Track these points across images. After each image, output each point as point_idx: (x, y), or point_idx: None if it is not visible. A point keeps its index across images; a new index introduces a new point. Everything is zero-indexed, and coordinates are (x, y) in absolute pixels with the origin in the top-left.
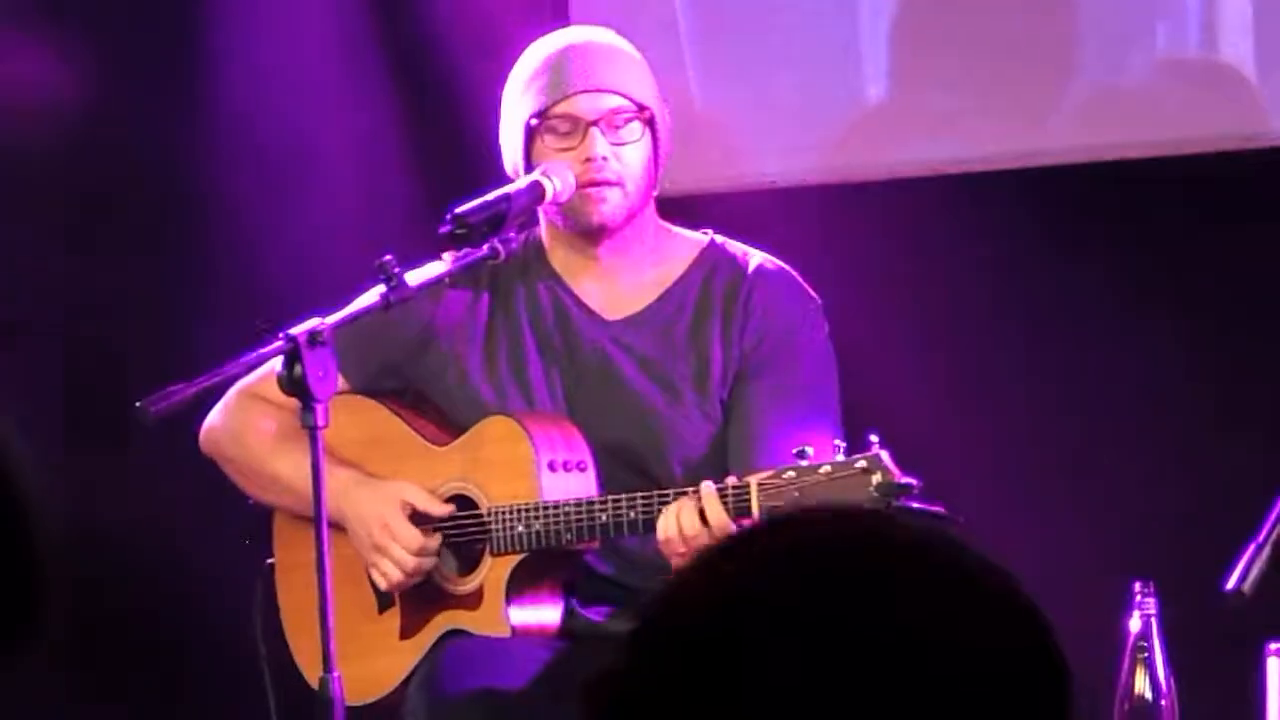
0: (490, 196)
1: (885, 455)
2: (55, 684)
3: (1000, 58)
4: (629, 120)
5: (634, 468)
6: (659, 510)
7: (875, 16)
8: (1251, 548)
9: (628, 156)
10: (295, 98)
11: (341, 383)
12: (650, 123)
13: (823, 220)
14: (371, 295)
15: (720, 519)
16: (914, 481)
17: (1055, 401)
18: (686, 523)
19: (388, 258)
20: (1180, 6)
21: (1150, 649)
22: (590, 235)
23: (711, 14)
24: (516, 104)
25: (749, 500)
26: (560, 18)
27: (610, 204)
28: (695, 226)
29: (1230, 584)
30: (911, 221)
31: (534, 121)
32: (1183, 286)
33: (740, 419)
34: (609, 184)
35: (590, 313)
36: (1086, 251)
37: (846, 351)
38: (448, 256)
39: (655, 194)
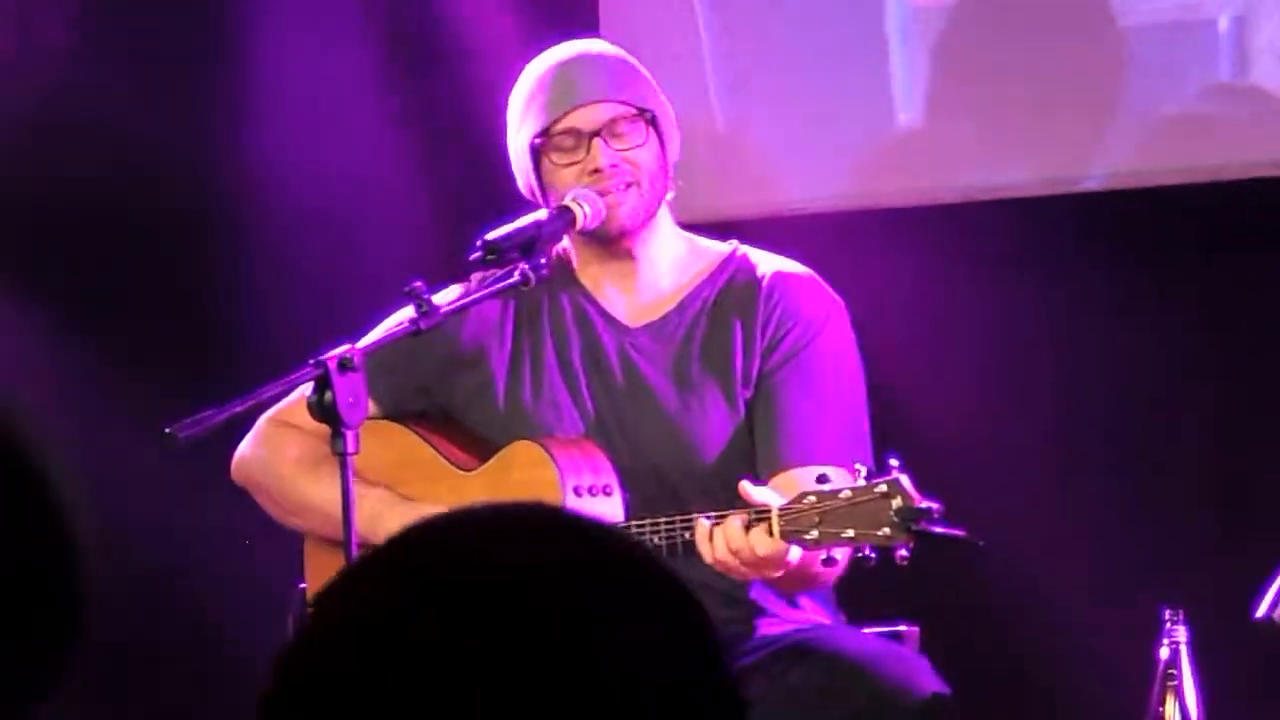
0: (521, 223)
1: (905, 479)
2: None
3: (1031, 84)
4: (631, 124)
5: (660, 476)
6: (681, 534)
7: (905, 42)
8: None
9: (636, 158)
10: (323, 118)
11: (370, 405)
12: (654, 122)
13: (851, 246)
14: (401, 321)
15: (769, 549)
16: (935, 505)
17: (1084, 428)
18: (734, 539)
19: (418, 283)
20: (1212, 34)
21: (1179, 677)
22: (613, 241)
23: (740, 40)
24: (519, 127)
25: (769, 525)
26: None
27: (628, 205)
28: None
29: (1260, 612)
30: (941, 247)
31: (538, 141)
32: (1216, 312)
33: (765, 420)
34: (624, 187)
35: (612, 321)
36: (1118, 277)
37: (876, 375)
38: (476, 277)
39: (669, 195)
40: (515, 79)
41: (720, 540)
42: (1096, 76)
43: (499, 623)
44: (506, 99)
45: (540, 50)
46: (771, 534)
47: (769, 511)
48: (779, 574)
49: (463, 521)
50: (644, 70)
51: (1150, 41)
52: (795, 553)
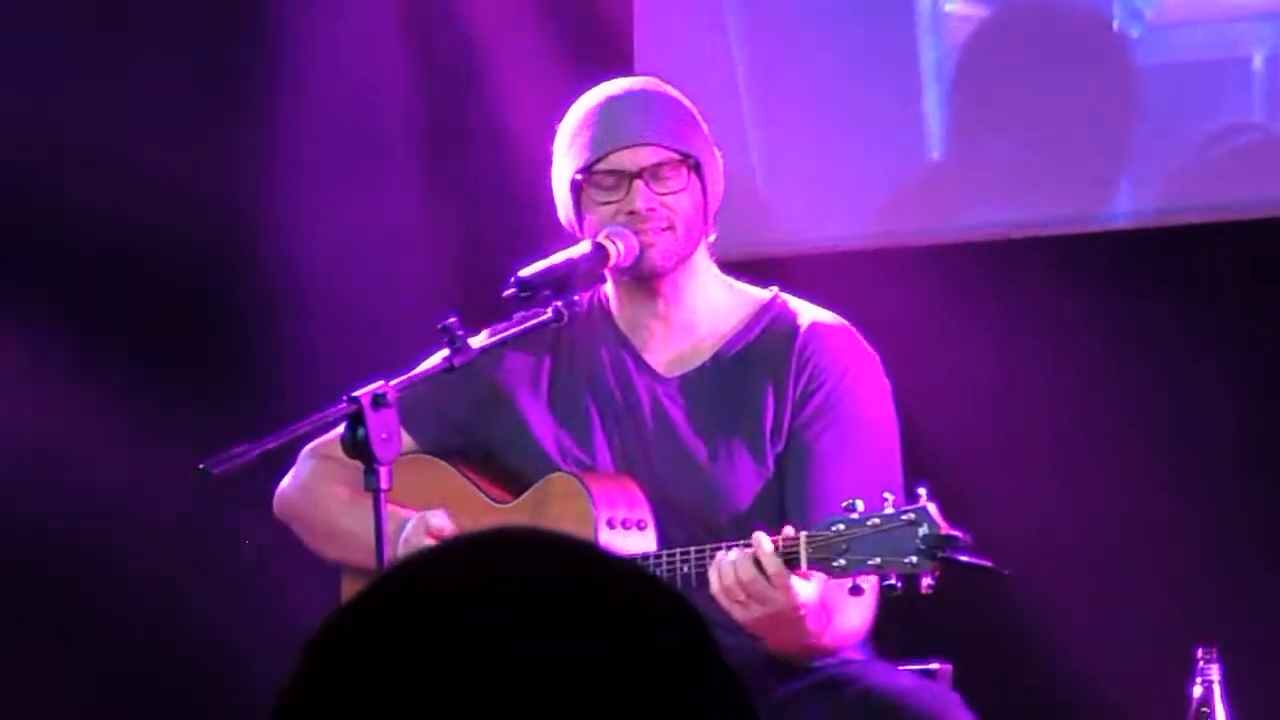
0: (554, 260)
1: (933, 508)
2: None
3: (1063, 123)
4: (674, 169)
5: (690, 522)
6: (709, 564)
7: (937, 81)
8: None
9: (675, 203)
10: (359, 160)
11: (410, 441)
12: (697, 168)
13: (882, 284)
14: (435, 358)
15: (776, 567)
16: (960, 534)
17: (1117, 464)
18: (744, 572)
19: (451, 320)
20: (1245, 72)
21: (1212, 715)
22: (646, 282)
23: (773, 78)
24: (563, 160)
25: (798, 553)
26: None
27: (661, 247)
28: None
29: None
30: (971, 285)
31: (579, 177)
32: (1250, 350)
33: (796, 473)
34: (659, 230)
35: (648, 369)
36: (1149, 314)
37: (907, 410)
38: (517, 316)
39: (710, 239)
40: (547, 116)
41: (729, 569)
42: (1129, 114)
43: (483, 640)
44: (537, 138)
45: (573, 90)
46: (799, 563)
47: (798, 540)
48: (781, 607)
49: (441, 552)
50: (696, 114)
51: (1183, 79)
52: (808, 590)
